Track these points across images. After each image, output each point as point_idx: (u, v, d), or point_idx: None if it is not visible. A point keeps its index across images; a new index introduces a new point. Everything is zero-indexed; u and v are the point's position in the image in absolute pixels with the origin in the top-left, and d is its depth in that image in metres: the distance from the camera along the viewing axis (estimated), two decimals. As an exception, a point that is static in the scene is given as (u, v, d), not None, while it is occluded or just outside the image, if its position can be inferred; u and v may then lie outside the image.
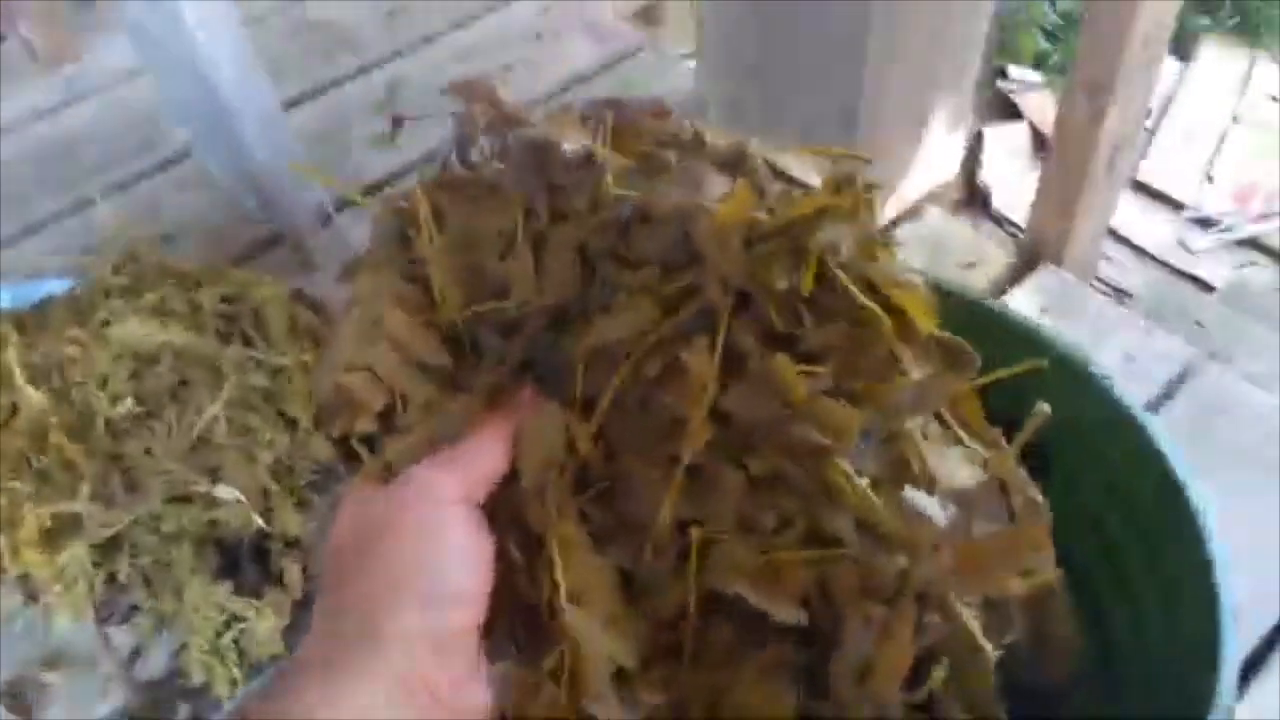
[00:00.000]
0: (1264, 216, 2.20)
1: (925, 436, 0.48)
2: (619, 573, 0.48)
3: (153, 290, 1.08)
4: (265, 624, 1.04)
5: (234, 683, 1.05)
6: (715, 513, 0.47)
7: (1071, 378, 0.65)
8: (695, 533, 0.47)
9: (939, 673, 0.47)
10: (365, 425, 0.52)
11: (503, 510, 0.48)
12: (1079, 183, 1.17)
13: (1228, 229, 2.21)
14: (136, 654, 1.06)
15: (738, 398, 0.47)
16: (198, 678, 1.04)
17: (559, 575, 0.46)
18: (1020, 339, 0.67)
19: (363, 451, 0.52)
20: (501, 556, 0.47)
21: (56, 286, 1.19)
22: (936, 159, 1.56)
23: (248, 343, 1.09)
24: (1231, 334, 1.36)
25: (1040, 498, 0.53)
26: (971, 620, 0.46)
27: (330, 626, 0.45)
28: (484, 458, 0.48)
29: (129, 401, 1.03)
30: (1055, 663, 0.54)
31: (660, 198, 0.49)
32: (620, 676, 0.46)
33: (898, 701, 0.45)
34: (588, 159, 0.50)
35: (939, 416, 0.50)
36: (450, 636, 0.45)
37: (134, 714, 1.04)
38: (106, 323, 1.05)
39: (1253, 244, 2.20)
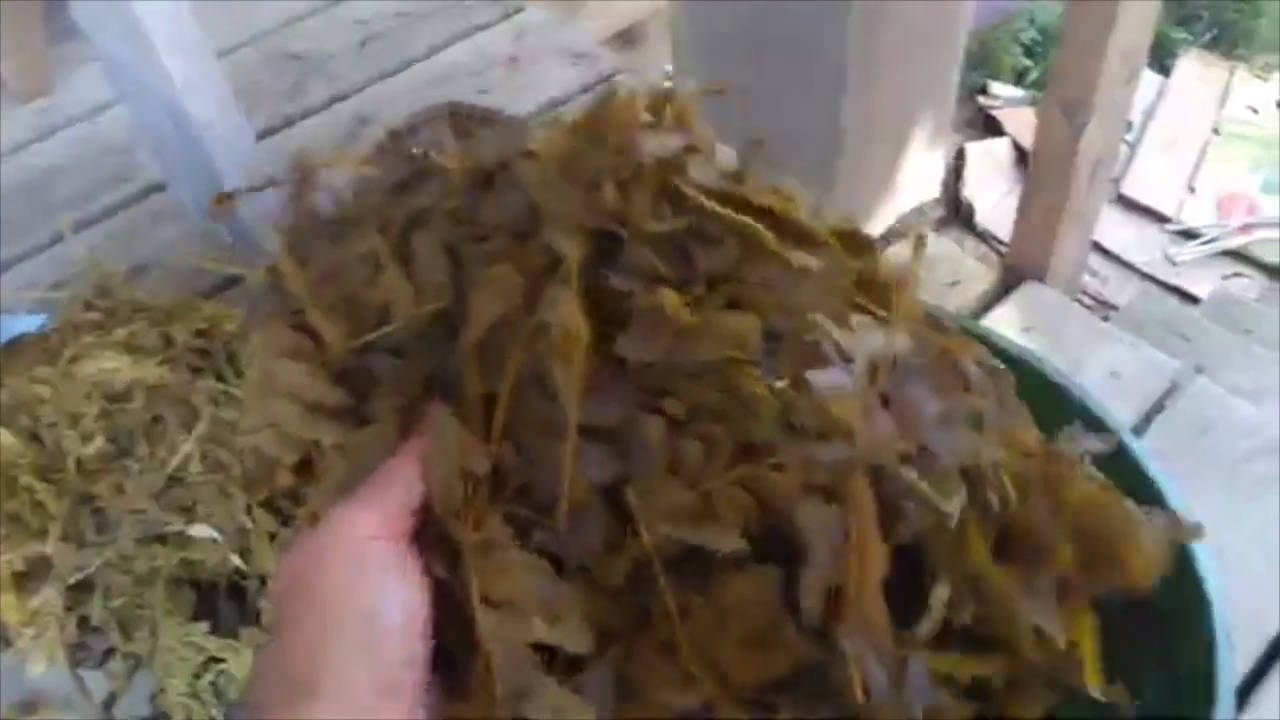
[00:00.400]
0: (1247, 227, 2.21)
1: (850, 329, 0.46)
2: (553, 561, 0.45)
3: (123, 325, 1.07)
4: (243, 664, 1.02)
5: (213, 727, 1.03)
6: (641, 464, 0.45)
7: (1056, 404, 0.64)
8: (630, 491, 0.45)
9: (940, 592, 0.45)
10: (285, 480, 0.51)
11: (430, 534, 0.46)
12: (1061, 199, 1.16)
13: (1211, 240, 2.21)
14: (113, 698, 1.04)
15: (629, 341, 0.45)
16: (177, 719, 1.01)
17: (474, 584, 0.44)
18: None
19: (287, 507, 0.51)
20: (434, 581, 0.45)
21: (29, 324, 1.17)
22: (919, 177, 1.55)
23: (220, 377, 1.07)
24: (1216, 347, 1.35)
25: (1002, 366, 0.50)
26: (941, 487, 0.44)
27: (265, 680, 0.44)
28: (398, 485, 0.46)
29: (100, 440, 1.01)
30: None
31: (483, 148, 0.48)
32: (574, 664, 0.45)
33: (885, 626, 0.42)
34: (429, 167, 0.50)
35: (866, 311, 0.48)
36: (393, 678, 0.43)
37: (112, 759, 1.02)
38: (76, 359, 1.03)
39: (1236, 255, 2.20)
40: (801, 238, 0.48)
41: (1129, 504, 0.46)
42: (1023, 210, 1.21)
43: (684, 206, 0.47)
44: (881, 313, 0.48)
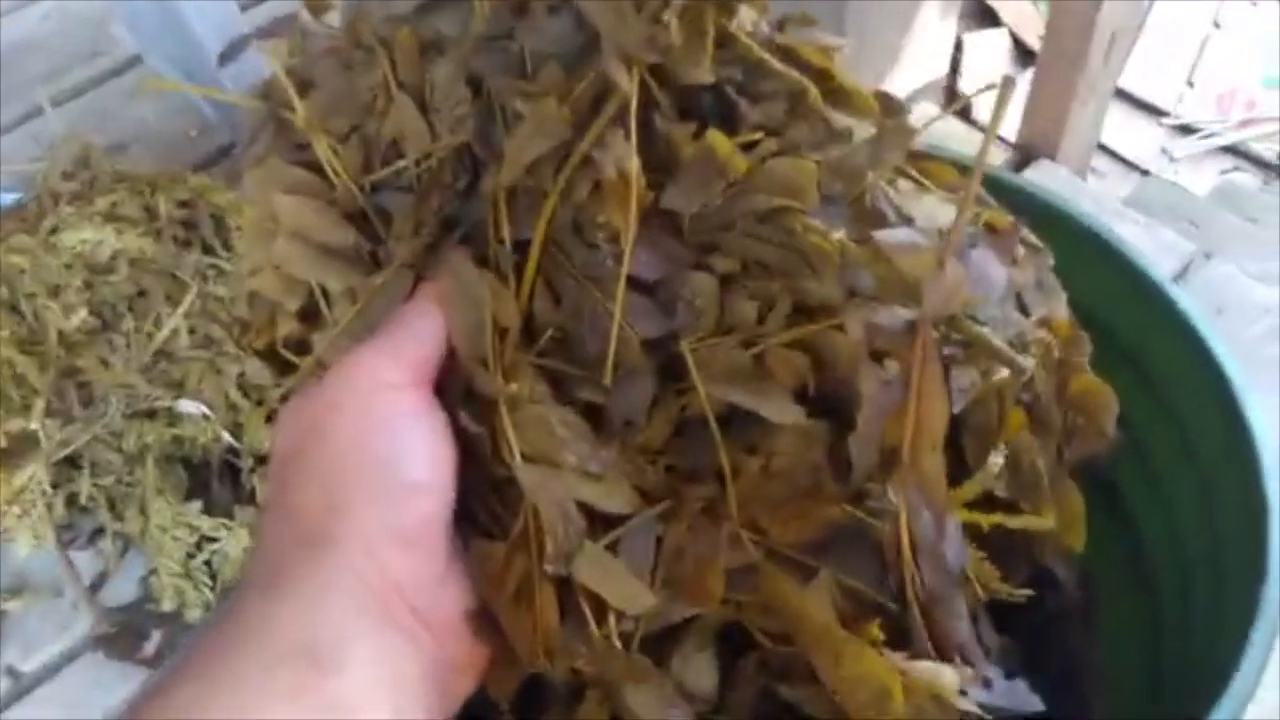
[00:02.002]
0: (1246, 122, 2.18)
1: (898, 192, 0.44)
2: (592, 417, 0.42)
3: (105, 196, 1.02)
4: (238, 544, 0.99)
5: (208, 606, 1.00)
6: (691, 321, 0.42)
7: (1088, 249, 0.62)
8: (683, 345, 0.42)
9: (995, 458, 0.44)
10: (287, 328, 0.47)
11: (454, 384, 0.43)
12: (1077, 71, 1.12)
13: (1210, 135, 2.18)
14: (103, 579, 1.01)
15: (679, 193, 0.42)
16: (169, 602, 0.99)
17: (511, 438, 0.41)
18: (1038, 211, 0.63)
19: (291, 356, 0.47)
20: (460, 435, 0.42)
21: (4, 198, 1.12)
22: (926, 53, 1.51)
23: (208, 250, 1.02)
24: (1224, 233, 1.33)
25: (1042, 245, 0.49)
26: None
27: (272, 542, 0.40)
28: (419, 332, 0.43)
29: (83, 313, 0.96)
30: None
31: None
32: (612, 526, 0.42)
33: (942, 483, 0.40)
34: None
35: (909, 177, 0.46)
36: (415, 529, 0.39)
37: (103, 641, 1.00)
38: (56, 230, 0.99)
39: (1234, 150, 2.18)
40: (845, 99, 0.45)
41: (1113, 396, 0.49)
42: (1036, 84, 1.18)
43: (734, 54, 0.44)
44: (924, 181, 0.46)
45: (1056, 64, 1.16)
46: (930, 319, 0.40)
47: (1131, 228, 1.15)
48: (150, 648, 1.00)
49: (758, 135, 0.43)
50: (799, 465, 0.42)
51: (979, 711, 0.39)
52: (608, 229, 0.42)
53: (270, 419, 0.99)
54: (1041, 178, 1.17)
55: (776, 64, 0.44)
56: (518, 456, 0.41)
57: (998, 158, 1.22)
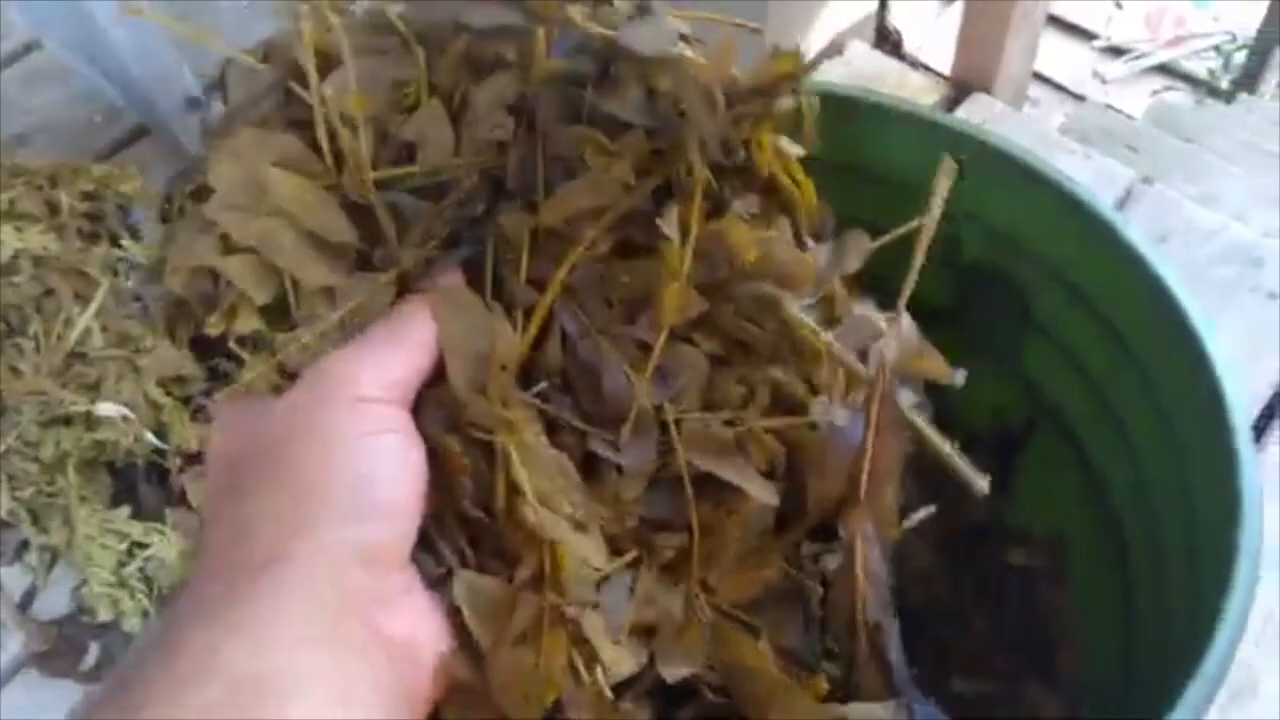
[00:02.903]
0: (1175, 41, 2.17)
1: None
2: (581, 467, 0.43)
3: (2, 193, 0.96)
4: (172, 548, 0.95)
5: (145, 614, 0.96)
6: (682, 391, 0.44)
7: (1034, 189, 0.60)
8: (670, 410, 0.44)
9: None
10: (249, 323, 0.43)
11: (435, 409, 0.41)
12: (1010, 1, 1.09)
13: (1140, 56, 2.17)
14: (31, 594, 0.97)
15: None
16: (104, 613, 0.94)
17: (520, 477, 0.40)
18: (978, 150, 0.61)
19: (241, 353, 0.43)
20: (434, 460, 0.40)
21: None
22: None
23: (116, 242, 0.97)
24: (1164, 156, 1.31)
25: None
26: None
27: (220, 558, 0.36)
28: (406, 348, 0.40)
29: (-13, 318, 0.91)
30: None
31: (639, 41, 0.42)
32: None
33: (895, 525, 0.44)
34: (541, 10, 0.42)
35: None
36: (381, 551, 0.37)
37: (38, 659, 0.95)
38: (-50, 232, 0.93)
39: (1166, 70, 2.17)
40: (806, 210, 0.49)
41: None
42: (968, 17, 1.15)
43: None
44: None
45: (987, -7, 1.13)
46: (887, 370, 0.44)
47: (1070, 158, 1.13)
48: (89, 661, 0.96)
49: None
50: (752, 526, 0.45)
51: None
52: (636, 291, 0.44)
53: (195, 416, 0.95)
54: (977, 113, 1.14)
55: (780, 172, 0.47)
56: (530, 495, 0.40)
57: (934, 93, 1.19)
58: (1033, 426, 0.67)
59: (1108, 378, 0.61)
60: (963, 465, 0.46)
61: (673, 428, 0.43)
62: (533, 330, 0.43)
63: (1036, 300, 0.63)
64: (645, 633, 0.43)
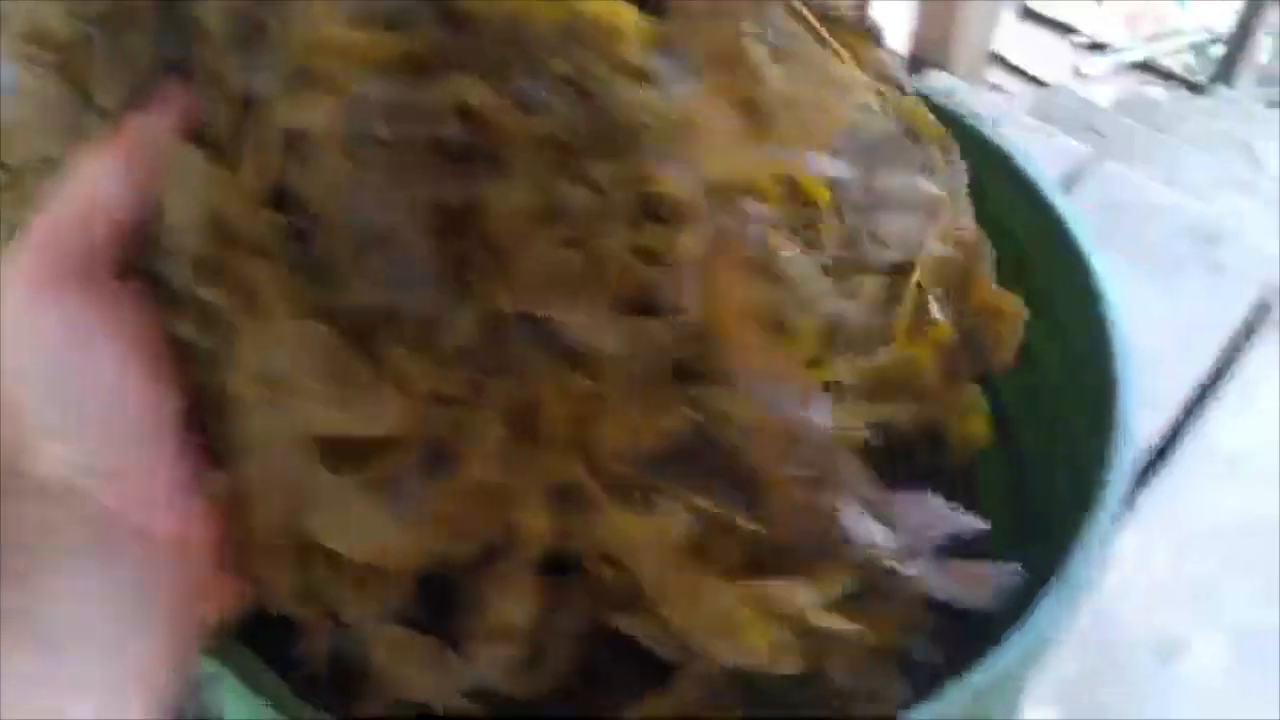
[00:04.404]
0: (1154, 37, 2.17)
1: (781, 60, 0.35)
2: (342, 330, 0.33)
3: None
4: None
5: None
6: (499, 199, 0.32)
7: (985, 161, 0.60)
8: (490, 225, 0.31)
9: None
10: None
11: (146, 275, 0.34)
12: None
13: (1120, 52, 2.17)
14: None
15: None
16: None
17: (241, 353, 0.33)
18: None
19: None
20: (173, 343, 0.34)
21: None
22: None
23: None
24: (1129, 140, 1.31)
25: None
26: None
27: None
28: (88, 211, 0.33)
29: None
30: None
31: None
32: (360, 451, 0.33)
33: (794, 364, 0.34)
34: None
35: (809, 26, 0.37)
36: (126, 454, 0.33)
37: None
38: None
39: (1145, 66, 2.17)
40: None
41: (1020, 306, 0.45)
42: (924, -8, 1.15)
43: None
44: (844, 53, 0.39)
45: (943, -33, 1.13)
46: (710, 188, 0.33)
47: (1027, 134, 1.13)
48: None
49: None
50: (626, 360, 0.33)
51: (843, 626, 0.35)
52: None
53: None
54: (934, 86, 1.14)
55: None
56: (242, 384, 0.33)
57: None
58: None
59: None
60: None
61: (480, 251, 0.32)
62: (260, 165, 0.32)
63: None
64: (499, 501, 0.34)
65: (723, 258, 0.33)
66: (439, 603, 0.36)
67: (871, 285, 0.38)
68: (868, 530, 0.35)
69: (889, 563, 0.36)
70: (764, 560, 0.35)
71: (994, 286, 0.44)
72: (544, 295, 0.32)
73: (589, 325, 0.32)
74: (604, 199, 0.32)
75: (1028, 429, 0.62)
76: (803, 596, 0.35)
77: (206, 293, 0.33)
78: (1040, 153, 1.09)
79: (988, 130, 0.59)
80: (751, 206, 0.34)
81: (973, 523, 0.37)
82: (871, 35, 0.40)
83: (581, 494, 0.34)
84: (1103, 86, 2.15)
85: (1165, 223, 1.08)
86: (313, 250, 0.32)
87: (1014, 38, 2.04)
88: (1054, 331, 0.58)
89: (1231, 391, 0.96)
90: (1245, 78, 1.83)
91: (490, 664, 0.36)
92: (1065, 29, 2.28)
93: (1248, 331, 1.01)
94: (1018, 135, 1.11)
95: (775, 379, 0.34)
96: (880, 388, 0.40)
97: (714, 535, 0.34)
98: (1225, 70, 1.85)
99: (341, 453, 0.33)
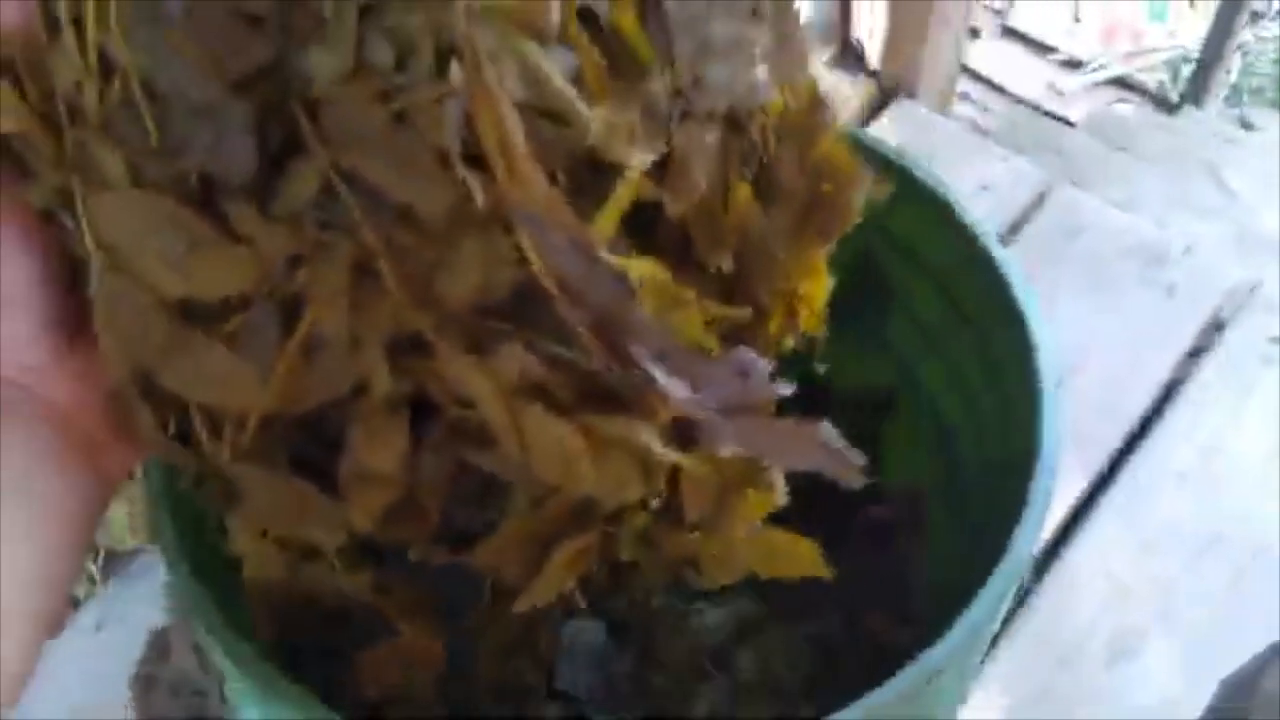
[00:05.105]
0: (1131, 54, 2.21)
1: None
2: (184, 197, 0.34)
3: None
4: (118, 516, 1.00)
5: (91, 580, 1.01)
6: (308, 62, 0.33)
7: (912, 197, 0.65)
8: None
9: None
10: None
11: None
12: (929, 7, 1.14)
13: (1097, 69, 2.22)
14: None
15: None
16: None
17: (91, 222, 0.34)
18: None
19: None
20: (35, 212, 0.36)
21: None
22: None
23: None
24: (1089, 161, 1.36)
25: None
26: None
27: None
28: None
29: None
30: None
31: None
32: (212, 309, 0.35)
33: (562, 208, 0.34)
34: None
35: None
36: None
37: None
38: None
39: (1122, 83, 2.22)
40: None
41: (860, 163, 0.45)
42: (892, 22, 1.20)
43: None
44: None
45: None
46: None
47: (989, 161, 1.18)
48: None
49: None
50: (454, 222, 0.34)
51: (680, 457, 0.37)
52: None
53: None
54: (900, 116, 1.20)
55: None
56: (95, 253, 0.35)
57: (858, 98, 1.24)
58: (898, 395, 0.73)
59: (951, 341, 0.67)
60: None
61: (300, 114, 0.33)
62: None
63: (894, 275, 0.69)
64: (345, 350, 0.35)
65: (482, 92, 0.33)
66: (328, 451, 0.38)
67: (704, 133, 0.39)
68: (665, 379, 0.34)
69: (690, 412, 0.35)
70: (598, 402, 0.36)
71: (837, 146, 0.44)
72: (359, 154, 0.33)
73: (402, 181, 0.33)
74: (413, 56, 0.33)
75: (966, 441, 0.67)
76: (641, 431, 0.36)
77: (51, 172, 0.35)
78: (1002, 179, 1.14)
79: (930, 180, 0.64)
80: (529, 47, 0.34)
81: (779, 387, 0.37)
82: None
83: (424, 342, 0.35)
84: (1077, 103, 2.19)
85: (1119, 245, 1.13)
86: (145, 123, 0.34)
87: (992, 55, 2.08)
88: (983, 353, 0.64)
89: (1182, 407, 1.01)
90: (1216, 96, 1.88)
91: (364, 509, 0.37)
92: (1042, 47, 2.32)
93: (1197, 350, 1.06)
94: (984, 164, 1.17)
95: (552, 223, 0.34)
96: (723, 239, 0.41)
97: (551, 377, 0.35)
98: (1196, 89, 1.90)
99: (195, 312, 0.35)
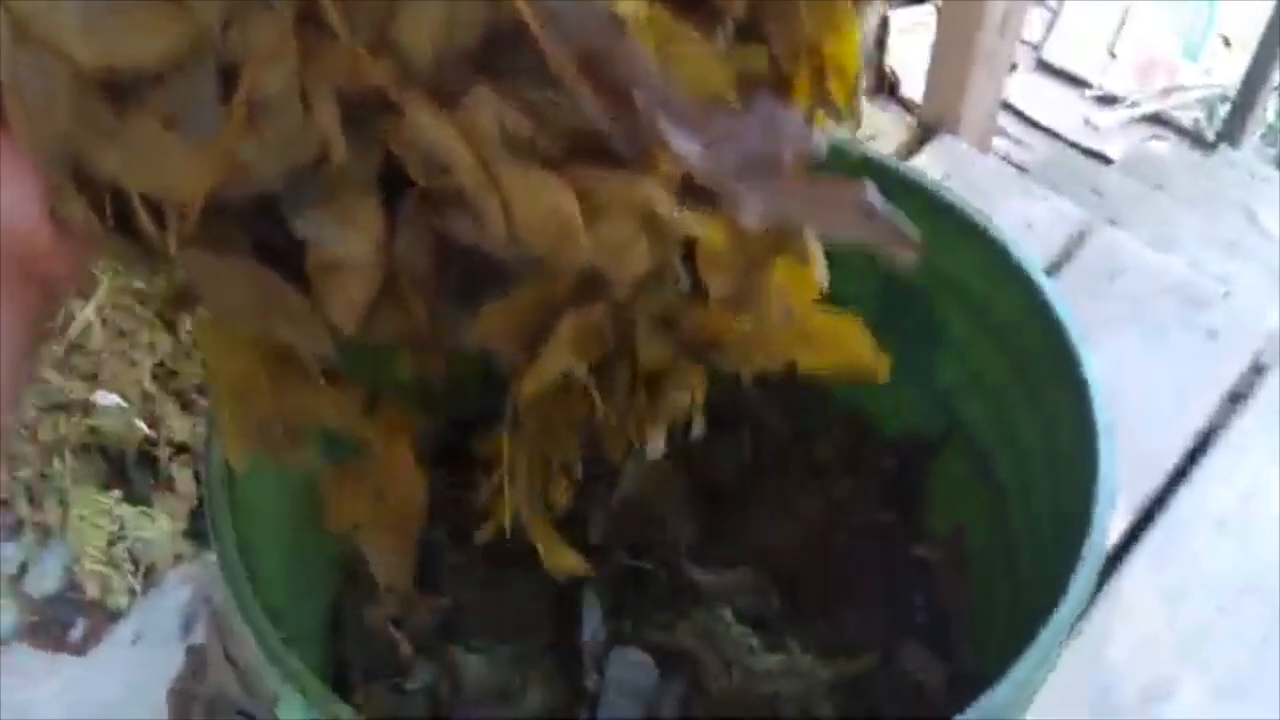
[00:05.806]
0: (1166, 91, 2.22)
1: None
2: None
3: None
4: (159, 531, 1.01)
5: (132, 592, 1.02)
6: None
7: (967, 238, 0.65)
8: None
9: None
10: None
11: None
12: (972, 45, 1.15)
13: (1132, 105, 2.22)
14: (24, 569, 1.03)
15: None
16: (92, 590, 1.01)
17: None
18: (917, 199, 0.66)
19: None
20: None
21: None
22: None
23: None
24: (1126, 201, 1.36)
25: None
26: None
27: None
28: None
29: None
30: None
31: None
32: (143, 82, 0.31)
33: None
34: None
35: None
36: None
37: (28, 631, 1.01)
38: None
39: (1156, 119, 2.22)
40: None
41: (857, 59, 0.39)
42: (935, 58, 1.20)
43: None
44: None
45: (953, 37, 1.19)
46: None
47: (1029, 199, 1.19)
48: (76, 635, 1.01)
49: None
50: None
51: (690, 224, 0.32)
52: None
53: (185, 409, 1.01)
54: (940, 153, 1.20)
55: None
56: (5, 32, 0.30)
57: (900, 133, 1.25)
58: (946, 438, 0.73)
59: (1002, 388, 0.67)
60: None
61: None
62: None
63: (943, 316, 0.69)
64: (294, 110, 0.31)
65: None
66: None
67: None
68: (671, 130, 0.29)
69: (702, 169, 0.30)
70: (592, 157, 0.31)
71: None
72: None
73: None
74: None
75: (1014, 496, 0.67)
76: (644, 187, 0.31)
77: None
78: (1042, 219, 1.14)
79: (981, 220, 0.64)
80: None
81: (809, 134, 0.31)
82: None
83: (388, 103, 0.31)
84: (1113, 139, 2.20)
85: (1159, 286, 1.13)
86: None
87: (1028, 89, 2.09)
88: (1036, 403, 0.64)
89: (1222, 451, 1.01)
90: (1251, 135, 1.88)
91: (341, 304, 0.33)
92: (1078, 82, 2.32)
93: (1237, 395, 1.06)
94: (1024, 202, 1.17)
95: None
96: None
97: (535, 128, 0.31)
98: (1231, 128, 1.90)
99: (125, 85, 0.31)
